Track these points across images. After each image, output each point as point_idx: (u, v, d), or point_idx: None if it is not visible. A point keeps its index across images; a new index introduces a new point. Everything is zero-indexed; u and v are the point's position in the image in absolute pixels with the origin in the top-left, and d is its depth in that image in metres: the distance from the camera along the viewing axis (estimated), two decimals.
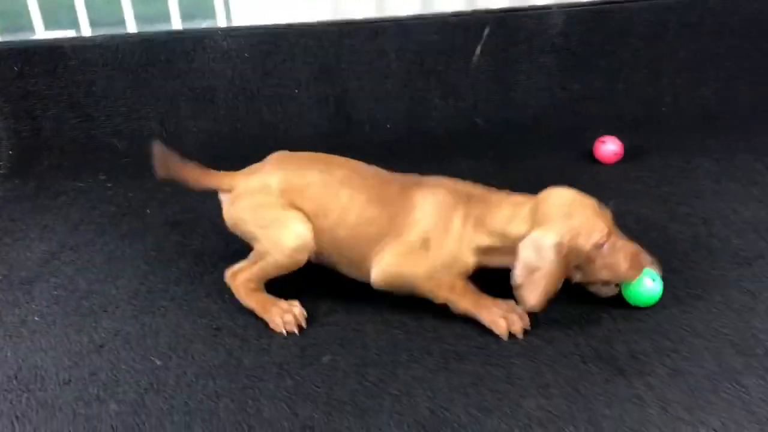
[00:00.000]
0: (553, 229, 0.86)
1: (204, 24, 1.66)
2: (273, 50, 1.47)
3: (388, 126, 1.50)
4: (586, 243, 0.86)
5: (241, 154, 1.49)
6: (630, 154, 1.37)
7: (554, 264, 0.85)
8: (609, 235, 0.87)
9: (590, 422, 0.76)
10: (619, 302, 0.94)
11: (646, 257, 0.91)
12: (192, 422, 0.80)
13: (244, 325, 0.96)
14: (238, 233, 1.03)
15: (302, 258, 0.97)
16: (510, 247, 0.88)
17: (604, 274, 0.89)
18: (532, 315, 0.91)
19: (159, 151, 1.04)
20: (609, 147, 1.36)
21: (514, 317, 0.90)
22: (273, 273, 0.99)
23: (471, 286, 0.94)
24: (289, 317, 0.95)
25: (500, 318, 0.90)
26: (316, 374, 0.86)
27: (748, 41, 1.47)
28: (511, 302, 0.91)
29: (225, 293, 1.03)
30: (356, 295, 1.00)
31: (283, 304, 0.97)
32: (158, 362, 0.90)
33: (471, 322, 0.92)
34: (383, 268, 0.94)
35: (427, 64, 1.48)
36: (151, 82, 1.51)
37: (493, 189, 0.98)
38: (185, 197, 1.37)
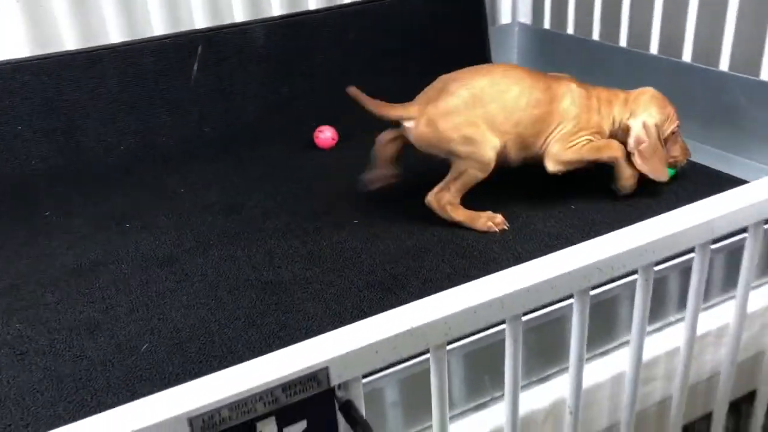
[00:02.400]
0: (654, 113, 1.23)
1: None
2: None
3: (122, 148, 1.57)
4: (669, 128, 1.24)
5: None
6: (343, 138, 1.64)
7: (654, 138, 1.21)
8: (678, 126, 1.26)
9: None
10: (375, 245, 1.19)
11: (688, 150, 1.29)
12: None
13: (49, 343, 1.00)
14: (435, 152, 1.21)
15: (493, 165, 1.19)
16: (623, 130, 1.24)
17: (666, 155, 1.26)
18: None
19: (354, 92, 1.27)
20: (326, 135, 1.61)
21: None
22: (471, 184, 1.20)
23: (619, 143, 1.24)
24: (497, 219, 1.20)
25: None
26: (142, 361, 0.95)
27: (410, 36, 1.83)
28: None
29: (33, 319, 1.05)
30: (154, 291, 1.11)
31: (486, 213, 1.21)
32: None
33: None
34: (554, 157, 1.23)
35: (149, 85, 1.57)
36: None
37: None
38: None
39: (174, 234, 1.28)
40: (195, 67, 1.59)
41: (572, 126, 1.22)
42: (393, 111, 1.25)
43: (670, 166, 1.28)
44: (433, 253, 1.16)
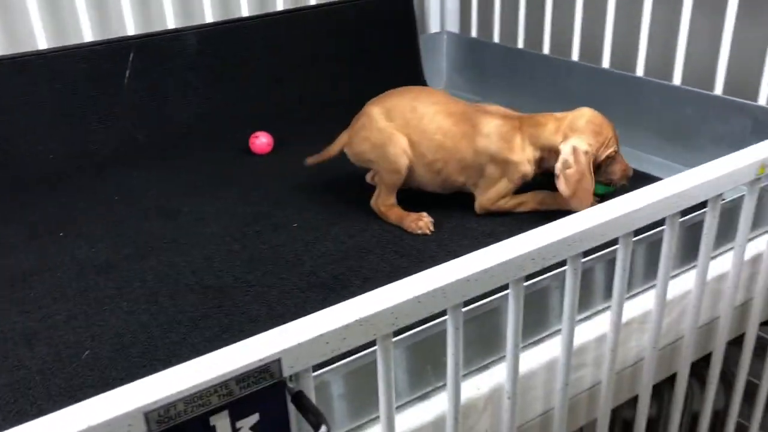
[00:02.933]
0: (586, 139, 1.19)
1: None
2: None
3: (52, 157, 1.54)
4: (604, 154, 1.21)
5: None
6: (279, 143, 1.65)
7: (583, 165, 1.18)
8: (616, 151, 1.24)
9: None
10: (315, 247, 1.21)
11: (630, 169, 1.28)
12: None
13: None
14: (364, 164, 1.31)
15: (405, 162, 1.24)
16: (555, 153, 1.21)
17: (603, 178, 1.25)
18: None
19: (312, 161, 1.38)
20: (261, 140, 1.62)
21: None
22: (392, 186, 1.26)
23: (544, 192, 1.26)
24: (421, 222, 1.23)
25: (589, 202, 1.19)
26: (83, 368, 0.94)
27: (343, 43, 1.86)
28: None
29: None
30: (93, 298, 1.09)
31: (414, 215, 1.25)
32: None
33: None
34: (481, 205, 1.27)
35: (81, 92, 1.55)
36: None
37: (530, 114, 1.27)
38: None
39: (111, 241, 1.27)
40: (127, 74, 1.58)
41: (495, 170, 1.23)
42: (334, 148, 1.36)
43: (607, 184, 1.28)
44: (373, 253, 1.18)
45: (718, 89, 1.40)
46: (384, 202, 1.28)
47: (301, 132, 1.72)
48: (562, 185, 1.19)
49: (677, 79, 1.47)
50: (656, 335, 0.98)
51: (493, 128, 1.23)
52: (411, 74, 1.99)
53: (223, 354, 0.62)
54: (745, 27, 1.39)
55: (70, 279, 1.16)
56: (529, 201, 1.28)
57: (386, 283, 1.11)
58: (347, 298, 1.07)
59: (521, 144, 1.23)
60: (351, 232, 1.26)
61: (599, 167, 1.24)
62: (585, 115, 1.22)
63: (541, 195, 1.28)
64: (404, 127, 1.24)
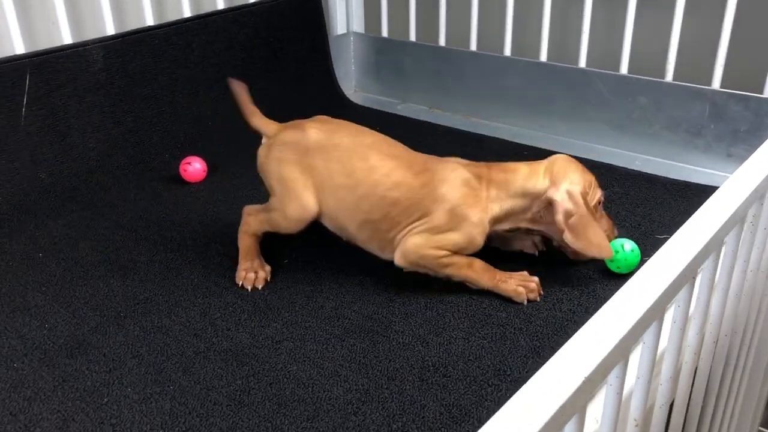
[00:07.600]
0: (576, 180, 1.00)
1: None
2: None
3: None
4: (594, 198, 1.02)
5: None
6: (211, 169, 1.44)
7: (583, 208, 0.98)
8: (601, 201, 1.05)
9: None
10: (318, 286, 1.06)
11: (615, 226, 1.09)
12: None
13: None
14: (262, 178, 1.09)
15: (300, 227, 1.06)
16: (527, 206, 1.01)
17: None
18: None
19: (235, 85, 1.15)
20: (195, 166, 1.41)
21: (531, 285, 1.01)
22: (273, 228, 1.08)
23: (485, 263, 1.02)
24: (251, 276, 1.05)
25: (518, 287, 1.01)
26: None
27: (254, 50, 1.68)
28: (524, 273, 1.03)
29: None
30: (78, 389, 0.87)
31: (257, 263, 1.07)
32: None
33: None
34: (408, 251, 1.01)
35: None
36: None
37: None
38: None
39: (63, 312, 1.02)
40: (24, 101, 1.30)
41: (445, 219, 1.00)
42: (256, 120, 1.13)
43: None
44: (405, 286, 1.06)
45: (669, 77, 1.44)
46: (253, 224, 1.11)
47: (225, 151, 1.53)
48: (570, 238, 0.99)
49: (624, 69, 1.49)
50: None
51: (456, 174, 1.01)
52: (323, 78, 1.85)
53: None
54: (690, 17, 1.42)
55: (34, 368, 0.91)
56: (469, 265, 1.02)
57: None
58: (386, 344, 0.95)
59: (486, 197, 1.01)
60: (355, 257, 1.12)
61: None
62: (561, 157, 1.04)
63: (484, 264, 1.03)
64: (345, 177, 1.02)
